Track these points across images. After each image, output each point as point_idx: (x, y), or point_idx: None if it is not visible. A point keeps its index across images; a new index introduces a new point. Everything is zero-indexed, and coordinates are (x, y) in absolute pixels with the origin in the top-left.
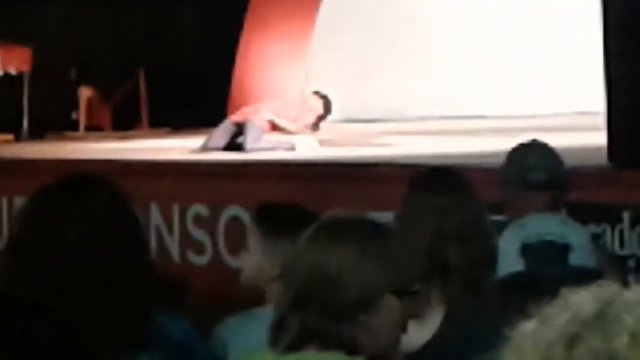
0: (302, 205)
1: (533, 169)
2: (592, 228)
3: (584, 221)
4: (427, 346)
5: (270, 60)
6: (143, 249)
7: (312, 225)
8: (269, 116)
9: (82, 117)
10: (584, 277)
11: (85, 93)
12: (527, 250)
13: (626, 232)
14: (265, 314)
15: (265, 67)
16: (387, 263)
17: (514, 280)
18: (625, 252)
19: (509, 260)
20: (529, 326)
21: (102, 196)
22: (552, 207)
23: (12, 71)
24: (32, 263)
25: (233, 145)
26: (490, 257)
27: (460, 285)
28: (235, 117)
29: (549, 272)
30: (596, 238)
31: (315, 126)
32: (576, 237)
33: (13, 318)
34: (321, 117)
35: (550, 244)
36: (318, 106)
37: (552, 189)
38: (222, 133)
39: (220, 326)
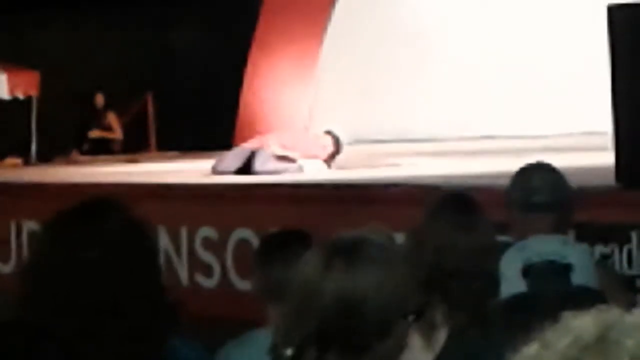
0: (298, 229)
1: (537, 191)
2: (600, 248)
3: (592, 241)
4: None
5: (278, 83)
6: (159, 273)
7: (315, 250)
8: (279, 152)
9: (118, 136)
10: (585, 296)
11: (112, 117)
12: (528, 270)
13: (634, 252)
14: (262, 336)
15: (272, 90)
16: (402, 285)
17: (517, 300)
18: (634, 272)
19: (511, 281)
20: (530, 350)
21: (119, 221)
22: (558, 229)
23: (20, 95)
24: (48, 288)
25: (244, 169)
26: (495, 284)
27: (462, 313)
28: (247, 145)
29: (550, 291)
30: (604, 259)
31: (327, 163)
32: (577, 257)
33: (22, 343)
34: (332, 156)
35: (552, 263)
36: (329, 144)
37: (556, 211)
38: (234, 157)
39: (220, 352)
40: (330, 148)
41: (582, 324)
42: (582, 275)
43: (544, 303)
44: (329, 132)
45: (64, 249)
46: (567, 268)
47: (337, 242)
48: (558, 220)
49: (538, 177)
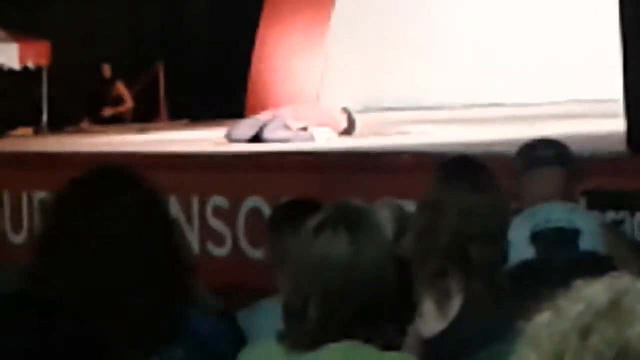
0: (310, 199)
1: (541, 146)
2: (612, 215)
3: (603, 209)
4: (444, 333)
5: (288, 52)
6: (177, 246)
7: (319, 216)
8: (293, 124)
9: (128, 106)
10: (594, 262)
11: (121, 87)
12: (537, 238)
13: None
14: (273, 306)
15: (282, 59)
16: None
17: (525, 268)
18: None
19: (520, 248)
20: (543, 318)
21: (138, 192)
22: (565, 192)
23: (31, 65)
24: (63, 260)
25: (257, 139)
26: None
27: (479, 279)
28: (262, 116)
29: (559, 258)
30: (616, 225)
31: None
32: (586, 223)
33: (33, 315)
34: (344, 133)
35: (560, 230)
36: (343, 121)
37: (561, 166)
38: (248, 126)
39: None
40: (343, 124)
41: (594, 291)
42: (591, 242)
43: (552, 270)
44: (345, 110)
45: (82, 221)
46: (575, 234)
47: (335, 210)
48: (565, 180)
49: (542, 140)
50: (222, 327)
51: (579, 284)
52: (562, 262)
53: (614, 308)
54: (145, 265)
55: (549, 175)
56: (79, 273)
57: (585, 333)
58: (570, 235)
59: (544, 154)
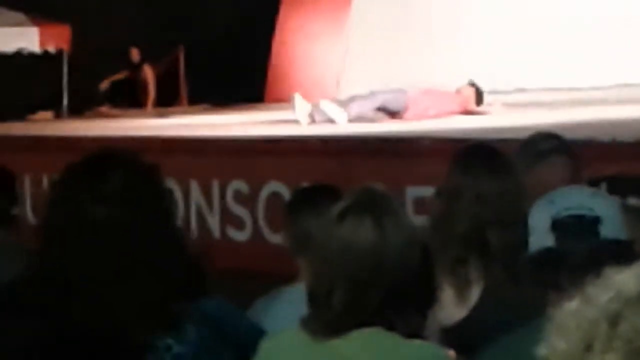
0: (328, 184)
1: (543, 140)
2: (633, 201)
3: (624, 194)
4: (464, 321)
5: (308, 36)
6: (170, 225)
7: (343, 202)
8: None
9: (152, 94)
10: (615, 250)
11: (149, 72)
12: (556, 225)
13: None
14: (293, 292)
15: (303, 43)
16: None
17: (545, 255)
18: None
19: (540, 235)
20: (571, 305)
21: (123, 173)
22: (573, 183)
23: (51, 49)
24: (58, 244)
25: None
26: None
27: (499, 266)
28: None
29: (579, 246)
30: (637, 210)
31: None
32: (606, 209)
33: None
34: (476, 104)
35: (580, 217)
36: (471, 95)
37: (565, 155)
38: (366, 101)
39: (251, 308)
40: (472, 99)
41: (623, 278)
42: (612, 229)
43: (572, 258)
44: (472, 84)
45: (69, 203)
46: (595, 221)
47: (361, 194)
48: (571, 169)
49: (542, 133)
50: (228, 305)
51: (608, 272)
52: (582, 250)
53: None
54: (134, 245)
55: (555, 166)
56: (70, 256)
57: (614, 321)
58: (590, 223)
59: (547, 146)
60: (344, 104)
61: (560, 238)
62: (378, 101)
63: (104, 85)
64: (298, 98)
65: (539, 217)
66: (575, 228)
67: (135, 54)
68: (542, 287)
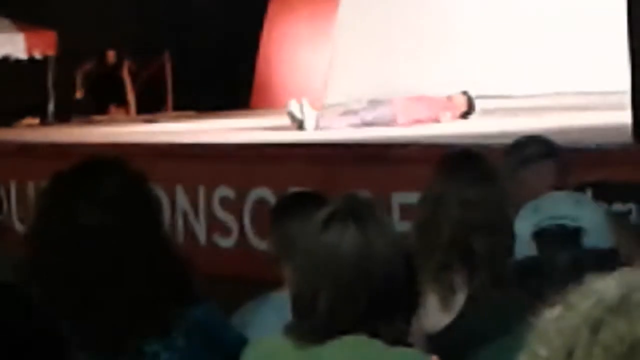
0: (313, 191)
1: (530, 144)
2: (618, 207)
3: (609, 200)
4: (449, 328)
5: (295, 42)
6: (159, 233)
7: (327, 209)
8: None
9: (131, 98)
10: (597, 260)
11: (125, 70)
12: (538, 235)
13: None
14: (278, 299)
15: (289, 49)
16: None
17: (529, 263)
18: None
19: (523, 244)
20: (553, 312)
21: (114, 181)
22: (559, 188)
23: (37, 55)
24: (47, 252)
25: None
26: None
27: (484, 272)
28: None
29: (561, 257)
30: (623, 216)
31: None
32: (589, 218)
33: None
34: (465, 115)
35: (562, 227)
36: (462, 104)
37: (551, 159)
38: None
39: (236, 314)
40: (463, 108)
41: (605, 285)
42: (594, 238)
43: (555, 268)
44: (464, 93)
45: (59, 211)
46: (577, 231)
47: (345, 201)
48: (557, 173)
49: (529, 137)
50: (217, 312)
51: (589, 278)
52: (563, 259)
53: (625, 303)
54: (124, 251)
55: (541, 170)
56: (59, 263)
57: (595, 327)
58: (572, 233)
59: (534, 150)
60: (328, 114)
61: (542, 247)
62: (366, 119)
63: (79, 94)
64: (306, 104)
65: (523, 225)
66: (557, 238)
67: (111, 56)
68: (526, 295)
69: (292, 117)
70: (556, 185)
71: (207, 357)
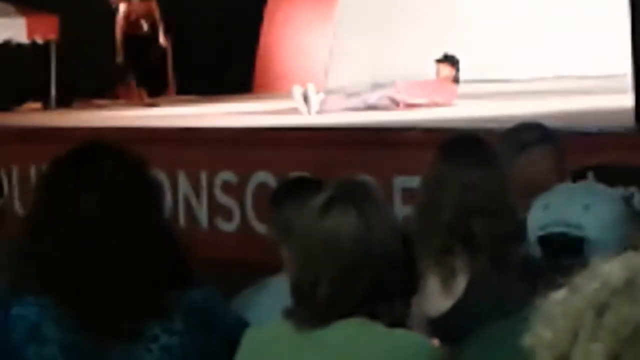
0: (313, 177)
1: (526, 129)
2: (620, 191)
3: (611, 184)
4: (450, 311)
5: (296, 27)
6: (159, 216)
7: (326, 193)
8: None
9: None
10: None
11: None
12: (543, 240)
13: None
14: (278, 283)
15: (290, 34)
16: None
17: (530, 266)
18: None
19: (530, 242)
20: (558, 295)
21: (113, 165)
22: (558, 172)
23: (39, 40)
24: (45, 237)
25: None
26: (515, 231)
27: (484, 256)
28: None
29: (562, 265)
30: (626, 200)
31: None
32: (596, 227)
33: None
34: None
35: (567, 236)
36: (454, 90)
37: (549, 144)
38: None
39: (237, 298)
40: (452, 73)
41: (610, 268)
42: (599, 249)
43: (555, 273)
44: (446, 58)
45: (57, 197)
46: (582, 240)
47: (343, 185)
48: (555, 158)
49: (525, 123)
50: (217, 296)
51: (595, 262)
52: (564, 268)
53: (630, 286)
54: (123, 236)
55: (540, 155)
56: (59, 249)
57: (600, 310)
58: (577, 242)
59: (530, 135)
60: (331, 96)
61: (545, 253)
62: (369, 102)
63: (120, 59)
64: (311, 88)
65: (531, 223)
66: (560, 245)
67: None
68: (530, 277)
69: (300, 101)
70: (555, 170)
71: (207, 340)
